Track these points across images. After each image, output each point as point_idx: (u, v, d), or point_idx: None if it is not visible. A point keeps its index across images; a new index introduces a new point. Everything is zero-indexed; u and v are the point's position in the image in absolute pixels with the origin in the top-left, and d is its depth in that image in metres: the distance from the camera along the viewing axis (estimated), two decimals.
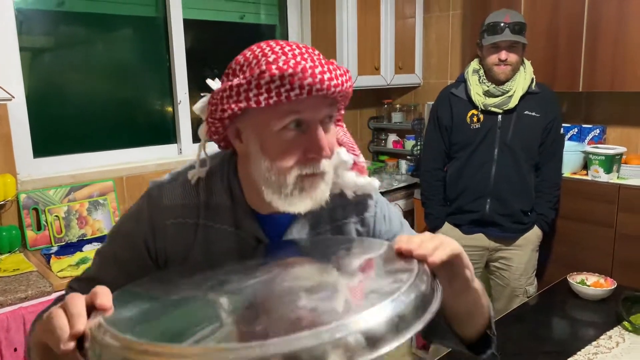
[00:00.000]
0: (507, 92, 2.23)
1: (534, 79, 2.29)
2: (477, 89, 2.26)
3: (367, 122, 3.72)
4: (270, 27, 3.21)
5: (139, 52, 2.67)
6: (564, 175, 2.64)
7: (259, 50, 0.80)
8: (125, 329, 0.58)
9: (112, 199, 2.43)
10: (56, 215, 2.25)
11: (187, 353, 0.52)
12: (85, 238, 2.30)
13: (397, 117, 3.56)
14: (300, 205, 0.82)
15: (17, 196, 2.17)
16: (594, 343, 1.60)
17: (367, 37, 3.11)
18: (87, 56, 2.48)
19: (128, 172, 2.51)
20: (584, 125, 2.83)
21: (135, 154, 2.60)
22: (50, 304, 0.85)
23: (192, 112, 2.79)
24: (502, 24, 2.16)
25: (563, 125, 2.90)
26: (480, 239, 2.36)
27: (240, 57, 0.82)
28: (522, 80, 2.25)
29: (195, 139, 2.82)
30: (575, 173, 2.67)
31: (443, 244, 0.75)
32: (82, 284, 0.93)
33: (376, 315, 0.55)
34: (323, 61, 0.77)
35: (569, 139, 2.87)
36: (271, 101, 0.75)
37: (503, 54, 2.18)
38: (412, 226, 3.34)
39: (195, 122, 2.83)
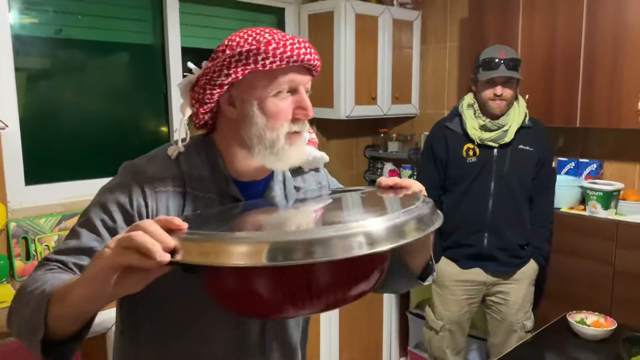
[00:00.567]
0: (503, 126, 2.25)
1: (527, 114, 2.31)
2: (473, 123, 2.27)
3: (363, 150, 3.71)
4: None
5: (135, 79, 2.66)
6: (560, 210, 2.63)
7: (251, 31, 0.97)
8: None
9: None
10: (46, 245, 2.20)
11: (262, 238, 0.65)
12: None
13: (393, 146, 3.56)
14: (287, 160, 0.98)
15: (6, 225, 2.12)
16: None
17: (364, 67, 3.12)
18: (83, 83, 2.46)
19: None
20: (580, 160, 2.84)
21: None
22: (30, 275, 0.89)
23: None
24: (497, 60, 2.18)
25: (560, 159, 2.92)
26: (477, 273, 2.34)
27: (234, 37, 0.97)
28: (517, 115, 2.27)
29: None
30: (572, 208, 2.65)
31: (413, 181, 0.98)
32: (68, 255, 0.92)
33: (399, 217, 0.71)
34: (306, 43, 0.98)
35: (566, 173, 2.87)
36: (274, 65, 0.92)
37: (499, 89, 2.19)
38: None
39: None
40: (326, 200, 1.02)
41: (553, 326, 2.05)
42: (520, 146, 2.27)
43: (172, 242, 0.70)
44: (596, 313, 2.01)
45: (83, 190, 2.40)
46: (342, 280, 0.73)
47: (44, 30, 2.33)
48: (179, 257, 0.68)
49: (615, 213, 2.51)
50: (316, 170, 1.18)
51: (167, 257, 0.69)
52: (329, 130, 3.44)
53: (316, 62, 0.98)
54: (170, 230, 0.72)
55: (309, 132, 1.07)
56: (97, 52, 2.50)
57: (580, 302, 2.52)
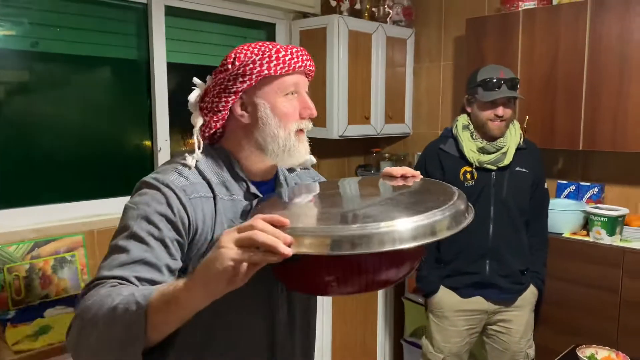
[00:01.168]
0: (501, 148, 2.16)
1: (522, 135, 2.24)
2: (470, 145, 2.18)
3: (355, 170, 3.60)
4: None
5: (117, 96, 2.50)
6: (563, 235, 2.54)
7: (255, 44, 1.09)
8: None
9: (81, 255, 2.21)
10: (16, 274, 2.02)
11: (360, 230, 0.76)
12: (48, 300, 2.07)
13: (385, 165, 3.45)
14: (298, 156, 1.09)
15: None
16: None
17: (358, 86, 3.02)
18: (61, 100, 2.30)
19: (100, 225, 2.30)
20: (581, 183, 2.76)
21: (108, 206, 2.39)
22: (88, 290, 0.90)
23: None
24: (498, 80, 2.09)
25: (559, 181, 2.84)
26: (479, 302, 2.22)
27: (241, 49, 1.07)
28: (514, 136, 2.20)
29: None
30: (575, 233, 2.56)
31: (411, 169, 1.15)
32: (124, 270, 0.92)
33: (437, 216, 0.84)
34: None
35: (566, 196, 2.79)
36: (283, 71, 1.05)
37: (500, 110, 2.11)
38: (403, 283, 3.13)
39: None
40: (356, 193, 1.14)
41: None
42: (517, 168, 2.19)
43: (288, 237, 0.76)
44: (607, 347, 1.90)
45: (58, 215, 2.23)
46: (399, 264, 0.90)
47: (19, 43, 2.17)
48: (294, 250, 0.75)
49: (620, 239, 2.42)
50: (306, 169, 1.31)
51: (290, 251, 0.75)
52: (321, 150, 3.31)
53: (313, 67, 1.14)
54: (274, 226, 0.78)
55: None
56: (77, 67, 2.35)
57: (585, 332, 2.42)
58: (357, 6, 3.09)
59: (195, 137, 1.10)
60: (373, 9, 3.23)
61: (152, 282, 0.92)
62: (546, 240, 2.34)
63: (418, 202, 0.95)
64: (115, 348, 0.82)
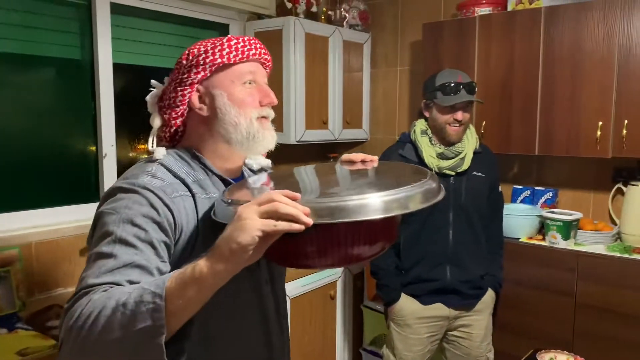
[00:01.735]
0: (460, 153, 2.15)
1: (477, 139, 2.25)
2: (429, 151, 2.15)
3: None
4: None
5: (58, 98, 2.33)
6: (520, 240, 2.56)
7: (208, 39, 1.08)
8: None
9: (17, 270, 2.03)
10: None
11: (372, 198, 0.83)
12: None
13: None
14: (264, 143, 1.08)
15: None
16: None
17: (315, 90, 2.96)
18: None
19: (39, 237, 2.12)
20: (536, 188, 2.79)
21: (48, 216, 2.22)
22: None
23: (119, 165, 2.47)
24: (457, 84, 2.08)
25: (515, 186, 2.87)
26: (440, 308, 2.19)
27: (194, 46, 1.08)
28: (471, 141, 2.19)
29: None
30: (531, 238, 2.58)
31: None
32: (114, 275, 0.86)
33: (414, 190, 0.89)
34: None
35: (522, 201, 2.82)
36: (237, 59, 1.06)
37: (459, 115, 2.10)
38: (362, 290, 3.08)
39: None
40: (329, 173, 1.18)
41: None
42: (474, 173, 2.18)
43: (307, 208, 0.79)
44: (565, 352, 1.91)
45: None
46: (378, 236, 0.95)
47: None
48: (313, 220, 0.79)
49: (575, 243, 2.45)
50: (265, 170, 1.29)
51: (311, 221, 0.78)
52: (278, 155, 3.20)
53: (269, 57, 1.15)
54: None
55: None
56: (14, 66, 2.17)
57: (542, 336, 2.44)
58: (314, 9, 3.04)
59: (151, 138, 1.10)
60: (329, 12, 3.19)
61: None
62: (502, 243, 2.34)
63: (394, 179, 1.02)
64: (131, 347, 0.78)
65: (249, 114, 1.06)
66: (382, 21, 3.39)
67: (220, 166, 1.10)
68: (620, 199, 2.57)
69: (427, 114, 2.18)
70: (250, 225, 0.76)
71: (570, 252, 2.39)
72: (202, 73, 1.05)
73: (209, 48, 1.05)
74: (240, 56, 1.06)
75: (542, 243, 2.50)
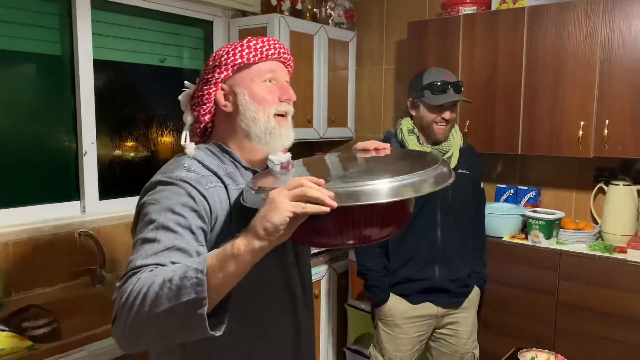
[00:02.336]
0: (447, 152, 2.15)
1: (462, 137, 2.26)
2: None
3: None
4: (195, 72, 2.95)
5: (38, 94, 2.29)
6: (503, 239, 2.57)
7: (231, 43, 1.19)
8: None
9: None
10: None
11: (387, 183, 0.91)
12: None
13: None
14: (280, 139, 1.16)
15: None
16: None
17: (300, 88, 2.94)
18: None
19: (16, 236, 2.08)
20: (520, 187, 2.80)
21: (26, 214, 2.19)
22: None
23: (100, 163, 2.43)
24: (444, 83, 2.08)
25: (499, 185, 2.88)
26: (428, 307, 2.19)
27: (220, 49, 1.19)
28: (457, 140, 2.20)
29: (103, 195, 2.45)
30: (514, 237, 2.59)
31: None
32: (158, 257, 0.95)
33: (427, 174, 0.96)
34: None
35: (505, 200, 2.83)
36: (257, 58, 1.15)
37: (447, 114, 2.10)
38: (347, 290, 3.05)
39: (105, 173, 2.47)
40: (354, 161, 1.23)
41: None
42: (459, 170, 2.18)
43: (331, 192, 0.86)
44: (546, 350, 1.91)
45: None
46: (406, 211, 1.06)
47: None
48: (337, 203, 0.87)
49: (557, 242, 2.47)
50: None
51: (335, 203, 0.85)
52: None
53: (289, 56, 1.22)
54: None
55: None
56: None
57: (524, 334, 2.45)
58: (299, 6, 3.02)
59: (184, 134, 1.20)
60: (315, 10, 3.17)
61: None
62: (485, 240, 2.36)
63: (407, 165, 1.09)
64: (177, 318, 0.86)
65: (267, 110, 1.15)
66: (367, 19, 3.38)
67: (246, 159, 1.19)
68: (601, 198, 2.59)
69: (413, 113, 2.18)
70: (282, 207, 0.85)
71: (552, 251, 2.40)
72: (225, 72, 1.16)
73: (230, 49, 1.16)
74: (259, 56, 1.15)
75: (525, 242, 2.52)
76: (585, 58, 2.33)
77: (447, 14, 2.77)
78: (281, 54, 1.19)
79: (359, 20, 3.39)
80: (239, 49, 1.15)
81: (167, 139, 2.80)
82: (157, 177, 1.10)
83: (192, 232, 1.01)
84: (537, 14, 2.44)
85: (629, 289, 2.20)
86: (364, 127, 3.46)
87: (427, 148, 2.14)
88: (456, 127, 2.24)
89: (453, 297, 2.21)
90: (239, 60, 1.15)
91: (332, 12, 3.18)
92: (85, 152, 2.37)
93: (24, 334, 1.80)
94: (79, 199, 2.39)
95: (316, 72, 3.04)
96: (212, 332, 0.87)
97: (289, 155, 1.28)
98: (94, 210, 2.40)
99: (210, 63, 1.18)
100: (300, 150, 3.41)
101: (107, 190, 2.48)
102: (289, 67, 1.23)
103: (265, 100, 1.15)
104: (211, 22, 2.93)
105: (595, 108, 2.33)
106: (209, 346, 1.11)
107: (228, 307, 0.92)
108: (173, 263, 0.94)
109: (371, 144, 1.26)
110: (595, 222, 2.62)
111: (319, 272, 2.79)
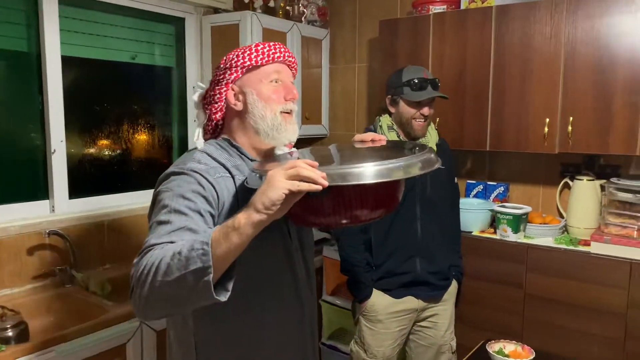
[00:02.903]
0: None
1: (437, 132, 2.30)
2: None
3: None
4: (166, 69, 2.93)
5: (4, 91, 2.25)
6: (472, 233, 2.62)
7: (241, 47, 1.29)
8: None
9: None
10: None
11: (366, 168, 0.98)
12: None
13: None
14: (286, 135, 1.26)
15: None
16: None
17: None
18: None
19: None
20: (488, 183, 2.86)
21: None
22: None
23: (69, 162, 2.40)
24: (423, 80, 2.12)
25: (469, 181, 2.93)
26: (410, 301, 2.22)
27: (230, 53, 1.29)
28: (434, 136, 2.25)
29: (74, 194, 2.42)
30: (483, 231, 2.65)
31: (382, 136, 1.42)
32: (171, 236, 1.06)
33: (413, 158, 1.05)
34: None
35: (475, 195, 2.89)
36: (264, 61, 1.26)
37: (426, 110, 2.15)
38: (321, 286, 3.05)
39: (75, 171, 2.44)
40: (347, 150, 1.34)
41: (473, 357, 1.97)
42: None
43: (323, 173, 0.95)
44: (513, 341, 1.96)
45: None
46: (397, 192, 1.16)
47: None
48: (328, 182, 0.94)
49: (524, 236, 2.53)
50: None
51: (326, 182, 0.94)
52: None
53: (293, 59, 1.33)
54: None
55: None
56: None
57: (493, 326, 2.51)
58: (271, 4, 3.02)
59: (197, 131, 1.31)
60: (287, 8, 3.18)
61: None
62: (460, 233, 2.41)
63: (398, 152, 1.18)
64: (187, 285, 0.96)
65: (274, 108, 1.25)
66: (340, 18, 3.40)
67: (253, 153, 1.30)
68: (567, 193, 2.67)
69: (393, 110, 2.21)
70: (279, 184, 0.94)
71: (520, 245, 2.46)
72: (235, 74, 1.27)
73: (239, 53, 1.26)
74: (266, 59, 1.26)
75: (494, 236, 2.57)
76: (550, 56, 2.39)
77: (418, 13, 2.81)
78: (286, 57, 1.30)
79: (332, 19, 3.41)
80: (248, 52, 1.25)
81: (141, 136, 2.78)
82: (171, 168, 1.21)
83: (202, 215, 1.12)
84: (505, 13, 2.50)
85: (593, 280, 2.28)
86: (338, 124, 3.49)
87: None
88: (432, 123, 2.29)
89: (434, 290, 2.24)
90: (248, 63, 1.25)
91: (305, 10, 3.19)
92: (54, 151, 2.33)
93: None
94: (48, 198, 2.35)
95: None
96: (217, 298, 0.97)
97: (294, 149, 1.38)
98: (63, 209, 2.37)
99: (222, 65, 1.28)
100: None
101: (78, 189, 2.45)
102: (293, 69, 1.33)
103: (271, 99, 1.26)
104: (183, 19, 2.91)
105: (560, 105, 2.39)
106: (224, 316, 1.25)
107: (233, 276, 1.02)
108: (182, 241, 1.04)
109: (368, 135, 1.35)
110: (561, 216, 2.69)
111: None
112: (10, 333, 1.83)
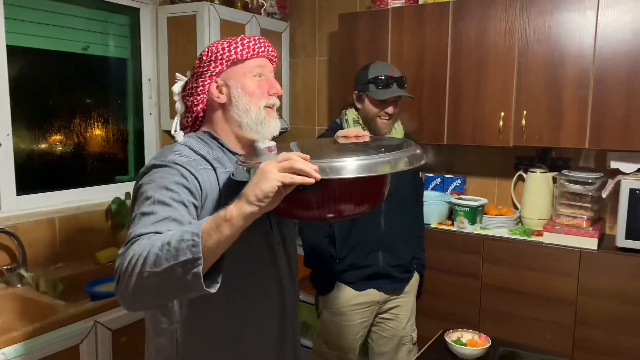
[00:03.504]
0: None
1: (403, 129, 2.31)
2: None
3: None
4: (120, 60, 2.84)
5: None
6: (431, 225, 2.66)
7: (224, 39, 1.29)
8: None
9: None
10: None
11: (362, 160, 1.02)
12: None
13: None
14: (269, 128, 1.29)
15: None
16: None
17: None
18: None
19: None
20: (446, 175, 2.91)
21: None
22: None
23: (17, 157, 2.30)
24: (389, 78, 2.11)
25: (427, 174, 2.97)
26: (372, 294, 2.24)
27: (212, 45, 1.28)
28: (399, 132, 2.26)
29: (22, 190, 2.32)
30: (441, 223, 2.70)
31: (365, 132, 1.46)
32: (156, 226, 1.06)
33: (405, 153, 1.10)
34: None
35: (433, 188, 2.93)
36: (249, 55, 1.27)
37: (390, 109, 2.13)
38: None
39: (23, 167, 2.33)
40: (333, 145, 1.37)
41: (432, 347, 2.00)
42: None
43: (315, 166, 0.96)
44: (470, 330, 2.00)
45: None
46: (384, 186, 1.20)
47: None
48: (321, 175, 0.97)
49: (481, 227, 2.59)
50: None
51: (319, 175, 0.95)
52: None
53: (275, 53, 1.35)
54: None
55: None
56: None
57: (451, 316, 2.56)
58: None
59: (175, 123, 1.32)
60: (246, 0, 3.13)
61: None
62: (423, 227, 2.45)
63: (384, 147, 1.21)
64: (176, 276, 0.95)
65: (257, 102, 1.27)
66: (300, 11, 3.38)
67: (234, 146, 1.31)
68: (521, 185, 2.74)
69: (359, 106, 2.20)
70: (272, 176, 0.94)
71: (477, 236, 2.52)
72: (220, 67, 1.26)
73: (225, 46, 1.26)
74: (251, 53, 1.27)
75: (451, 228, 2.62)
76: (505, 51, 2.45)
77: (377, 7, 2.82)
78: (269, 52, 1.32)
79: (292, 11, 3.38)
80: (234, 45, 1.26)
81: (95, 130, 2.68)
82: (152, 161, 1.21)
83: (185, 206, 1.13)
84: (461, 8, 2.54)
85: (545, 269, 2.36)
86: (299, 118, 3.47)
87: None
88: (398, 120, 2.29)
89: (396, 283, 2.27)
90: (234, 56, 1.26)
91: (264, 2, 3.15)
92: (0, 144, 2.22)
93: None
94: None
95: None
96: (207, 289, 0.97)
97: (273, 142, 1.39)
98: (11, 206, 2.27)
99: (205, 57, 1.28)
100: None
101: (27, 185, 2.34)
102: (274, 63, 1.36)
103: (255, 93, 1.27)
104: (138, 9, 2.83)
105: (514, 100, 2.46)
106: (206, 309, 1.26)
107: (222, 268, 1.03)
108: (170, 231, 1.04)
109: (352, 131, 1.39)
110: (516, 207, 2.77)
111: None
112: None
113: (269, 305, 1.35)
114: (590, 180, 2.40)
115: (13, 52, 2.26)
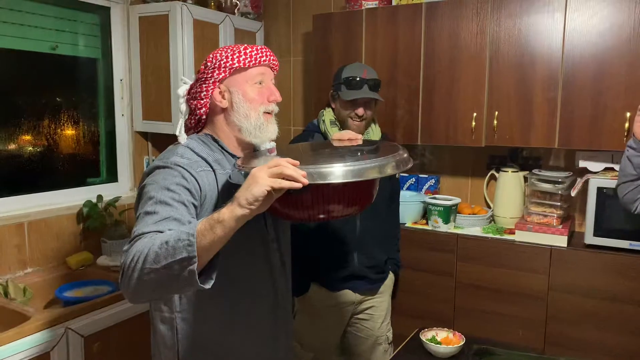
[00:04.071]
0: None
1: (381, 132, 2.31)
2: None
3: None
4: (90, 60, 2.78)
5: None
6: (406, 225, 2.69)
7: (228, 47, 1.37)
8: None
9: None
10: None
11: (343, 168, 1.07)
12: None
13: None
14: (267, 133, 1.36)
15: None
16: None
17: None
18: None
19: None
20: (420, 175, 2.94)
21: None
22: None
23: None
24: (361, 80, 2.10)
25: (402, 174, 3.00)
26: (347, 294, 2.24)
27: (217, 52, 1.36)
28: (375, 135, 2.25)
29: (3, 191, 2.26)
30: (416, 223, 2.73)
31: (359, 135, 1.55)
32: (158, 226, 1.14)
33: (392, 158, 1.15)
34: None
35: (408, 188, 2.96)
36: (251, 64, 1.34)
37: (360, 111, 2.11)
38: None
39: (10, 168, 2.27)
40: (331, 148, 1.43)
41: (407, 345, 2.02)
42: None
43: (304, 171, 1.03)
44: (445, 329, 2.03)
45: None
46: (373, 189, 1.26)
47: None
48: (309, 181, 1.02)
49: (454, 226, 2.63)
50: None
51: (307, 181, 1.02)
52: (164, 147, 3.10)
53: (276, 62, 1.43)
54: None
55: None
56: None
57: (426, 315, 2.59)
58: None
59: (179, 124, 1.38)
60: None
61: None
62: (399, 227, 2.46)
63: (374, 151, 1.27)
64: (173, 273, 1.03)
65: (257, 108, 1.34)
66: (274, 11, 3.37)
67: (234, 149, 1.38)
68: (493, 184, 2.79)
69: (333, 106, 2.19)
70: (262, 181, 1.01)
71: (450, 235, 2.55)
72: (223, 74, 1.34)
73: (229, 54, 1.34)
74: (253, 62, 1.35)
75: (426, 227, 2.65)
76: (477, 53, 2.49)
77: (351, 8, 2.83)
78: (271, 60, 1.39)
79: (266, 11, 3.37)
80: (237, 54, 1.34)
81: (65, 131, 2.63)
82: (156, 162, 1.29)
83: (185, 206, 1.20)
84: (434, 10, 2.56)
85: (517, 267, 2.40)
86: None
87: None
88: (377, 121, 2.28)
89: (370, 283, 2.27)
90: (236, 64, 1.33)
91: (237, 2, 3.13)
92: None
93: None
94: None
95: None
96: (201, 285, 1.05)
97: (273, 144, 1.46)
98: None
99: (209, 64, 1.35)
100: None
101: None
102: (275, 71, 1.43)
103: (255, 100, 1.34)
104: (108, 8, 2.78)
105: (486, 100, 2.50)
106: (202, 300, 1.35)
107: (216, 265, 1.10)
108: (170, 230, 1.12)
109: (346, 134, 1.48)
110: (489, 206, 2.82)
111: None
112: None
113: (262, 299, 1.43)
114: (560, 180, 2.46)
115: None
